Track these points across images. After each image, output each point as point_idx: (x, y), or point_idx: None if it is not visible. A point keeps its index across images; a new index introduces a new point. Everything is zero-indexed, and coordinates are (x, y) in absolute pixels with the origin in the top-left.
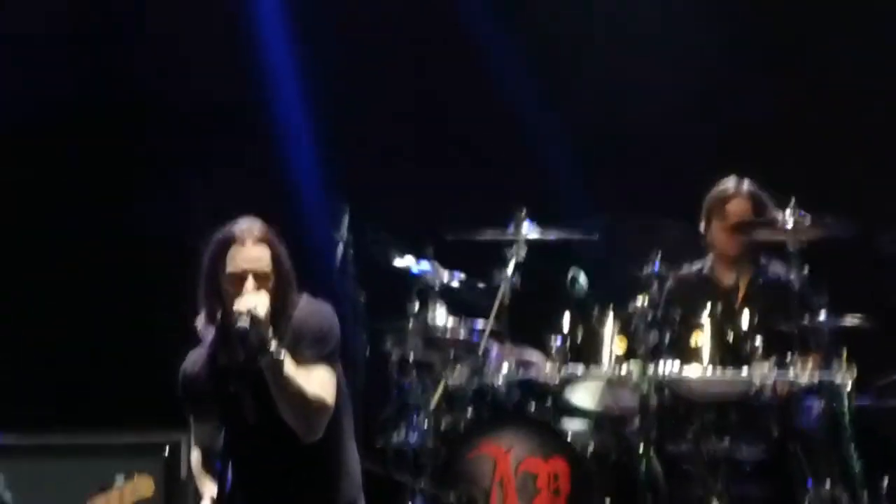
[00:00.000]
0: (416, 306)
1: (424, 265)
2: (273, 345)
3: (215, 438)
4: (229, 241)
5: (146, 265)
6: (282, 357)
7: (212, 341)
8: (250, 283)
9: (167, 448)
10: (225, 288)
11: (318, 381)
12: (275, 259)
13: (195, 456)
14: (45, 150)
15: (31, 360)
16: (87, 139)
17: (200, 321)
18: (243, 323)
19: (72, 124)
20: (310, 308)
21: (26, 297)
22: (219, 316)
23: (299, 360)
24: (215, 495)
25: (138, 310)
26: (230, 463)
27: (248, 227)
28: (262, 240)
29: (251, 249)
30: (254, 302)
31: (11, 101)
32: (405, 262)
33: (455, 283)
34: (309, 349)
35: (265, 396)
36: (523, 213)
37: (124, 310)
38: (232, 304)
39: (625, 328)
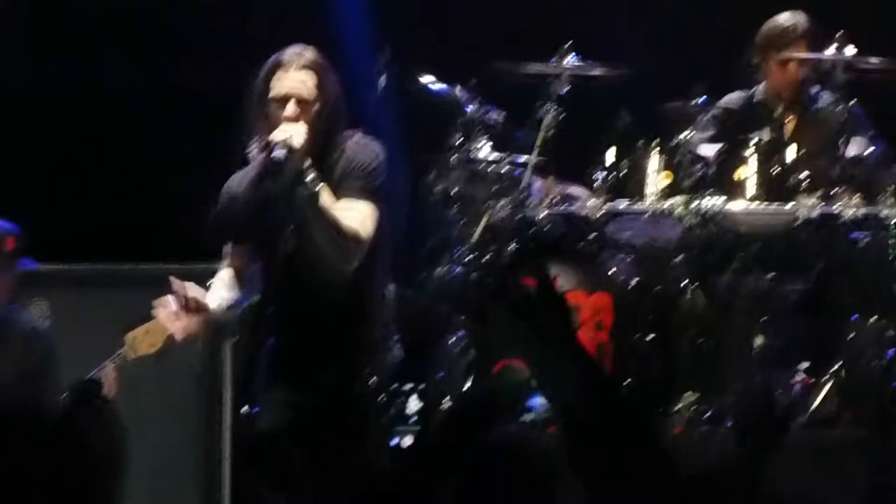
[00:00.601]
0: (459, 139)
1: (448, 89)
2: (309, 175)
3: (247, 262)
4: (276, 65)
5: (189, 109)
6: (317, 189)
7: (256, 165)
8: (290, 107)
9: (209, 277)
10: (270, 112)
11: (356, 215)
12: (320, 86)
13: (222, 273)
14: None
15: (74, 191)
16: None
17: (252, 146)
18: (279, 153)
19: None
20: (358, 143)
21: (74, 135)
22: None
23: (344, 192)
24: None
25: (186, 146)
26: (268, 295)
27: (296, 51)
28: (309, 65)
29: (296, 73)
30: (291, 131)
31: None
32: (437, 85)
33: (495, 116)
34: (354, 182)
35: (303, 225)
36: (568, 47)
37: (171, 146)
38: (276, 125)
39: (669, 161)
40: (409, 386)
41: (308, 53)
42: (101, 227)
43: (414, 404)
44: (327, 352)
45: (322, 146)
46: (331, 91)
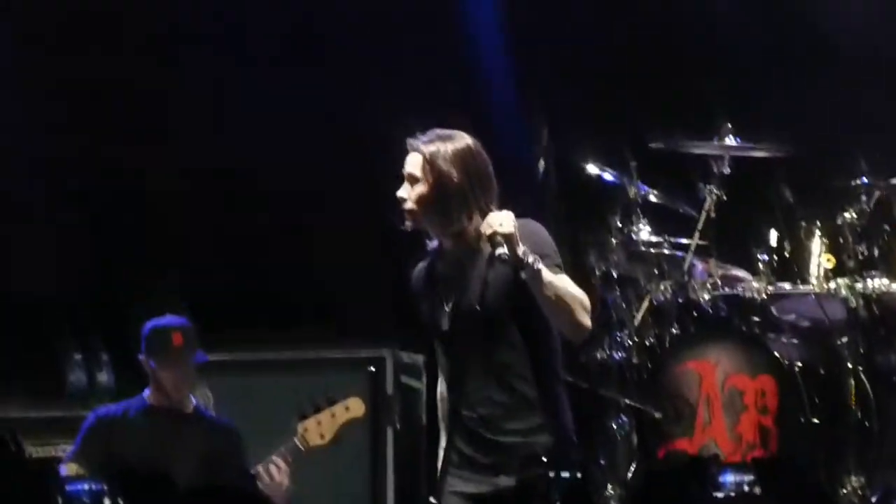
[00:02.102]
0: (619, 220)
1: (616, 176)
2: (529, 256)
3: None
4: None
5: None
6: (539, 266)
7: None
8: (402, 189)
9: (373, 365)
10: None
11: (571, 283)
12: (428, 168)
13: (442, 388)
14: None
15: (238, 278)
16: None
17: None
18: (502, 249)
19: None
20: (528, 226)
21: (235, 218)
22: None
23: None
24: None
25: (345, 224)
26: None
27: (424, 138)
28: (424, 148)
29: (412, 156)
30: (500, 220)
31: None
32: (597, 169)
33: (655, 198)
34: (546, 260)
35: (468, 310)
36: (728, 127)
37: (331, 225)
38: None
39: (833, 242)
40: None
41: (429, 138)
42: (269, 314)
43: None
44: (509, 444)
45: (433, 220)
46: (441, 173)
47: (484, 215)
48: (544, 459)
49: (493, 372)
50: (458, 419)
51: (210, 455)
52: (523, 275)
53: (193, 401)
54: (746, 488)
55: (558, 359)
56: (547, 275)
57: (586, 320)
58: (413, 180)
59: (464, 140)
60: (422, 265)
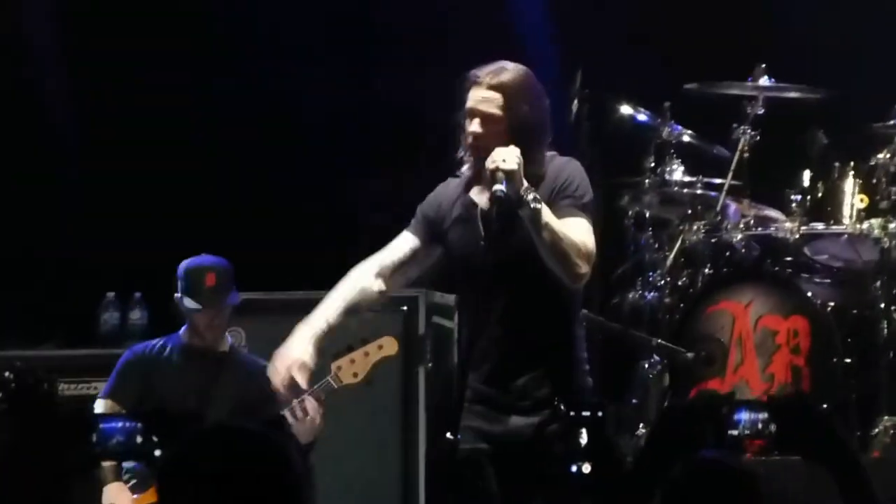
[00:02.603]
0: (652, 161)
1: (650, 116)
2: (530, 195)
3: (403, 272)
4: (470, 81)
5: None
6: (539, 205)
7: (465, 186)
8: (471, 124)
9: (405, 305)
10: (463, 124)
11: (577, 227)
12: (508, 105)
13: (353, 276)
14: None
15: (268, 223)
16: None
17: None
18: (500, 186)
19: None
20: (562, 162)
21: (265, 160)
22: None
23: (556, 211)
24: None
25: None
26: (464, 317)
27: (490, 70)
28: (496, 85)
29: (484, 92)
30: (504, 157)
31: None
32: (631, 110)
33: (689, 138)
34: (564, 199)
35: (502, 246)
36: (763, 68)
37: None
38: (465, 140)
39: (866, 183)
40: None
41: (503, 72)
42: (298, 255)
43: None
44: (527, 383)
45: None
46: (520, 109)
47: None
48: (558, 402)
49: (512, 311)
50: (474, 355)
51: (245, 396)
52: (521, 213)
53: (229, 340)
54: (760, 426)
55: (578, 301)
56: (547, 216)
57: (580, 269)
58: (486, 117)
59: (528, 72)
60: (456, 187)
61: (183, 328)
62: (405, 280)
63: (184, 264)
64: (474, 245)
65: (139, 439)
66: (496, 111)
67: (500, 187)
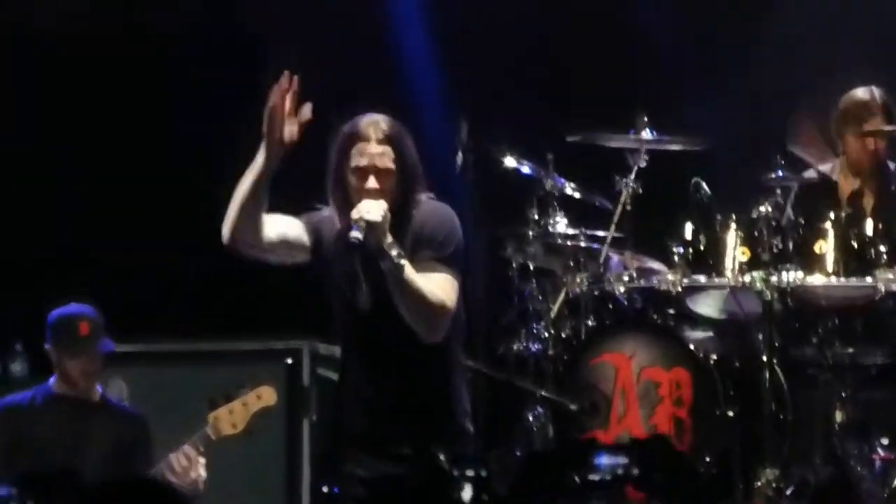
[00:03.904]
0: (536, 213)
1: (533, 168)
2: (393, 250)
3: (272, 228)
4: (354, 136)
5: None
6: (402, 262)
7: (338, 236)
8: (372, 181)
9: (289, 356)
10: (349, 181)
11: (438, 283)
12: (399, 156)
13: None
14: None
15: (153, 268)
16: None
17: (326, 211)
18: (357, 233)
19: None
20: (431, 208)
21: (151, 207)
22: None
23: (419, 260)
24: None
25: None
26: (344, 350)
27: (373, 121)
28: (387, 138)
29: (376, 147)
30: (370, 208)
31: None
32: (515, 163)
33: (572, 191)
34: (429, 250)
35: (382, 290)
36: (645, 120)
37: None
38: (356, 196)
39: (748, 235)
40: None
41: (384, 124)
42: (183, 305)
43: (468, 493)
44: (403, 427)
45: (397, 213)
46: (409, 159)
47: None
48: (440, 454)
49: (388, 356)
50: (352, 398)
51: (118, 445)
52: (382, 265)
53: (100, 389)
54: (621, 471)
55: (458, 348)
56: (408, 272)
57: (435, 326)
58: (382, 172)
59: (392, 119)
60: (333, 223)
61: (52, 378)
62: (270, 250)
63: (54, 313)
64: (351, 288)
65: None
66: (391, 165)
67: (357, 234)
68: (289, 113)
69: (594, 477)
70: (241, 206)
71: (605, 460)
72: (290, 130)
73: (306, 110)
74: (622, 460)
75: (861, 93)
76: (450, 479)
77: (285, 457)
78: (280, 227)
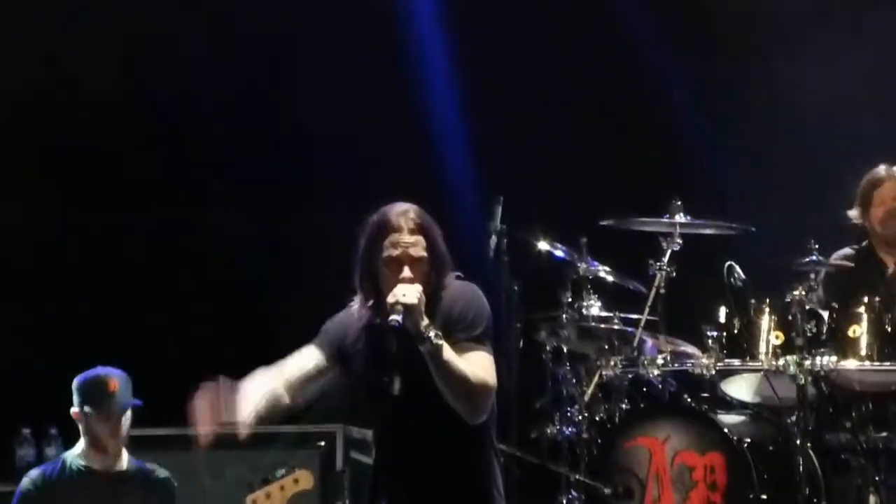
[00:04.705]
0: (570, 296)
1: (567, 252)
2: (431, 332)
3: (302, 386)
4: (385, 227)
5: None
6: (440, 342)
7: (367, 325)
8: (407, 272)
9: (323, 440)
10: (381, 271)
11: (476, 362)
12: (430, 244)
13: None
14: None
15: (183, 354)
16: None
17: (356, 303)
18: (396, 316)
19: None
20: (457, 289)
21: (186, 293)
22: (373, 301)
23: (452, 342)
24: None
25: (290, 306)
26: (376, 435)
27: (404, 211)
28: (418, 228)
29: (408, 237)
30: (406, 291)
31: None
32: (548, 246)
33: (606, 274)
34: (461, 331)
35: (415, 374)
36: (678, 204)
37: (278, 307)
38: (388, 287)
39: (782, 319)
40: None
41: (413, 214)
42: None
43: None
44: None
45: (429, 298)
46: (439, 247)
47: None
48: None
49: (420, 441)
50: (388, 483)
51: None
52: (421, 348)
53: (126, 456)
54: None
55: (491, 433)
56: (447, 353)
57: (479, 405)
58: (415, 261)
59: (420, 208)
60: (357, 320)
61: (79, 447)
62: (304, 395)
63: (80, 377)
64: (380, 375)
65: None
66: (423, 253)
67: (396, 318)
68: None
69: None
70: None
71: None
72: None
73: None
74: None
75: (880, 171)
76: None
77: None
78: (297, 375)
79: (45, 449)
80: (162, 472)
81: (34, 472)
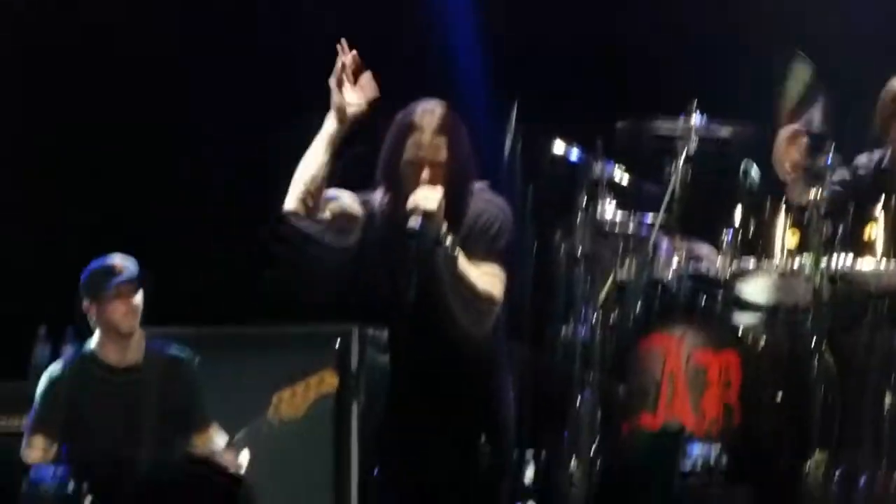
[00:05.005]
0: (585, 199)
1: (582, 154)
2: (447, 241)
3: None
4: (409, 126)
5: None
6: (455, 253)
7: (386, 224)
8: (426, 173)
9: (339, 338)
10: (403, 171)
11: (488, 277)
12: (453, 148)
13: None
14: None
15: (193, 253)
16: None
17: (377, 197)
18: (414, 223)
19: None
20: (486, 200)
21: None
22: (393, 200)
23: (471, 252)
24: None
25: None
26: (390, 337)
27: (429, 110)
28: (442, 129)
29: (431, 138)
30: (426, 196)
31: None
32: (563, 148)
33: (621, 176)
34: (482, 243)
35: (430, 280)
36: (695, 105)
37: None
38: (409, 189)
39: (797, 221)
40: (528, 453)
41: (439, 111)
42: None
43: (529, 473)
44: (449, 416)
45: (453, 202)
46: (463, 151)
47: None
48: (483, 442)
49: (438, 347)
50: (400, 385)
51: (169, 401)
52: (436, 255)
53: (142, 345)
54: (713, 461)
55: (503, 342)
56: (460, 263)
57: (483, 318)
58: (435, 164)
59: (450, 107)
60: (380, 210)
61: (94, 340)
62: (328, 213)
63: (86, 269)
64: (396, 277)
65: (70, 487)
66: (443, 157)
67: (414, 224)
68: (353, 79)
69: (686, 466)
70: (311, 175)
71: (697, 450)
72: (356, 100)
73: (366, 81)
74: (714, 450)
75: None
76: (492, 467)
77: (334, 440)
78: (337, 197)
79: (62, 348)
80: (183, 353)
81: (53, 368)
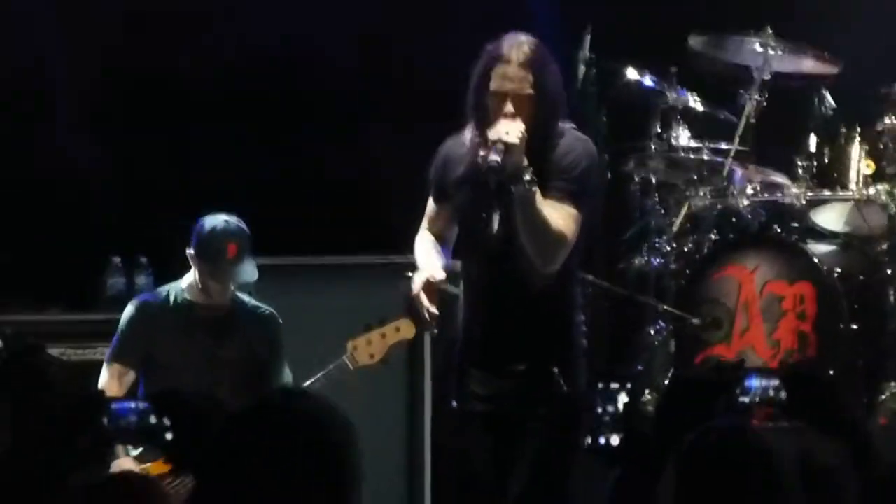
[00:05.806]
0: (659, 126)
1: (656, 81)
2: (527, 175)
3: (449, 229)
4: (496, 58)
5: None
6: (534, 189)
7: (473, 158)
8: (509, 106)
9: (409, 269)
10: (488, 104)
11: (562, 215)
12: (539, 82)
13: (425, 236)
14: None
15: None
16: None
17: (468, 131)
18: (495, 155)
19: None
20: (573, 140)
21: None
22: (480, 134)
23: (550, 189)
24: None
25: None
26: (465, 269)
27: (518, 43)
28: (528, 61)
29: (516, 71)
30: (508, 129)
31: None
32: (637, 75)
33: (695, 103)
34: (562, 181)
35: (511, 215)
36: (770, 32)
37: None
38: (493, 121)
39: (873, 148)
40: (614, 385)
41: (526, 46)
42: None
43: (622, 401)
44: (522, 348)
45: (537, 139)
46: (549, 87)
47: None
48: (556, 373)
49: (515, 282)
50: (474, 318)
51: (252, 352)
52: (513, 189)
53: (230, 292)
54: (771, 393)
55: (576, 281)
56: (538, 199)
57: (552, 257)
58: (519, 98)
59: (542, 43)
60: (461, 148)
61: (186, 280)
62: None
63: (205, 224)
64: (479, 211)
65: (151, 421)
66: (529, 91)
67: (495, 157)
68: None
69: (744, 399)
70: None
71: (755, 382)
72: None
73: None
74: (773, 383)
75: None
76: (567, 399)
77: (406, 371)
78: (443, 224)
79: (135, 278)
80: (267, 310)
81: (139, 299)
